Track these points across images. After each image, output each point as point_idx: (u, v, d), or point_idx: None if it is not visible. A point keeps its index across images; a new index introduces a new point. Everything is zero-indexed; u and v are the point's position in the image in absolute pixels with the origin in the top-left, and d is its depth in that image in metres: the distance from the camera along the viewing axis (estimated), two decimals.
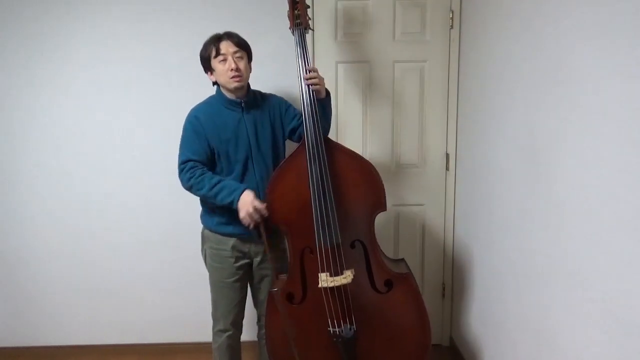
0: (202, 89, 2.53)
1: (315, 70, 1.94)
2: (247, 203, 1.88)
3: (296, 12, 2.00)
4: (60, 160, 2.64)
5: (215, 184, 1.93)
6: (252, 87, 2.10)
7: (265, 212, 1.90)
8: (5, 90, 2.59)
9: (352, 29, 2.53)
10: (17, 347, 2.81)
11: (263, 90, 2.16)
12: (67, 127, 2.62)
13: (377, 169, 1.98)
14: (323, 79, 1.96)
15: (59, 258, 2.73)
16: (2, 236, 2.72)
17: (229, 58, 1.93)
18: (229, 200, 1.91)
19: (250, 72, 2.04)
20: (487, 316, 2.24)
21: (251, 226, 1.91)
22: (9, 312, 2.79)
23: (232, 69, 1.93)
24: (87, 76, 2.57)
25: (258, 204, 1.89)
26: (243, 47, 1.98)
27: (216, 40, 1.96)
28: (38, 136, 2.62)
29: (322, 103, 1.98)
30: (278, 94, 2.20)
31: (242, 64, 1.95)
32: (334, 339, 1.95)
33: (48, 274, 2.75)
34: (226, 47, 1.94)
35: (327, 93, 2.02)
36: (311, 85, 1.90)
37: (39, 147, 2.63)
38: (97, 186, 2.66)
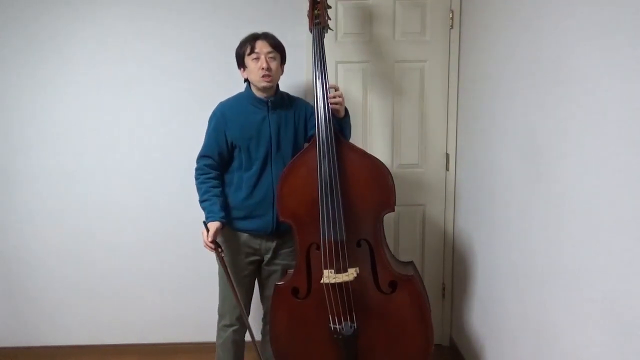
0: (202, 89, 2.55)
1: (336, 88, 2.00)
2: (204, 233, 1.95)
3: (316, 11, 2.02)
4: (60, 160, 2.64)
5: (203, 200, 2.03)
6: None
7: (209, 245, 1.93)
8: (5, 90, 2.59)
9: (352, 29, 2.53)
10: (17, 347, 2.81)
11: None
12: (67, 127, 2.62)
13: None
14: (344, 98, 2.01)
15: (59, 258, 2.73)
16: (2, 236, 2.72)
17: (262, 57, 1.98)
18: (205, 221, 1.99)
19: (282, 74, 2.08)
20: (488, 316, 2.24)
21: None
22: (9, 312, 2.79)
23: (263, 68, 1.97)
24: (87, 76, 2.57)
25: (205, 236, 1.93)
26: (278, 48, 2.03)
27: (253, 39, 2.01)
28: (38, 136, 2.62)
29: (340, 122, 2.02)
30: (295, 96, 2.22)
31: (273, 65, 2.00)
32: (335, 336, 1.96)
33: (48, 274, 2.75)
34: (261, 46, 1.99)
35: (346, 112, 2.06)
36: (332, 104, 1.94)
37: (39, 147, 2.63)
38: (97, 186, 2.66)
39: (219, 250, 1.96)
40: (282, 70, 2.08)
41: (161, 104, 2.60)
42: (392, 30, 2.53)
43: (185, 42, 2.55)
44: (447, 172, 2.64)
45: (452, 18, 2.50)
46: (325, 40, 2.50)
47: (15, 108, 2.60)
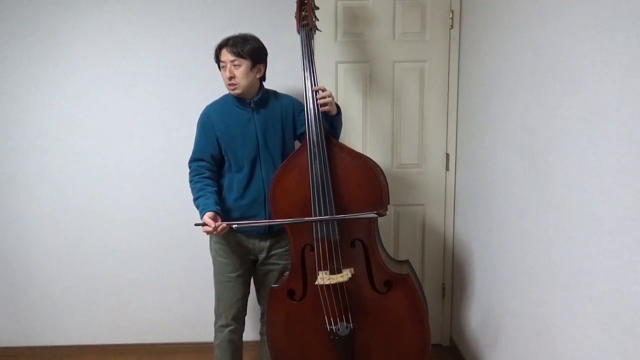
0: (201, 89, 2.54)
1: (324, 90, 1.96)
2: (206, 228, 1.93)
3: (303, 12, 2.01)
4: (59, 160, 2.64)
5: (197, 197, 2.01)
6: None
7: (220, 229, 1.92)
8: (5, 90, 2.59)
9: (352, 29, 2.53)
10: (17, 347, 2.81)
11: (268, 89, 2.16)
12: (67, 128, 2.62)
13: None
14: (333, 97, 1.99)
15: (59, 258, 2.73)
16: (2, 236, 2.72)
17: (227, 66, 1.97)
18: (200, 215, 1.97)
19: (260, 75, 2.04)
20: (487, 316, 2.24)
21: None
22: (9, 312, 2.79)
23: (227, 77, 1.97)
24: (87, 76, 2.57)
25: (209, 228, 1.91)
26: (242, 55, 1.96)
27: (218, 47, 2.01)
28: (37, 136, 2.62)
29: (331, 121, 2.01)
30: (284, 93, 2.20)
31: (238, 72, 1.96)
32: (331, 337, 1.97)
33: (48, 274, 2.75)
34: (225, 55, 1.97)
35: (338, 109, 2.05)
36: (322, 106, 1.93)
37: (39, 147, 2.63)
38: (97, 187, 2.66)
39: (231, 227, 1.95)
40: (260, 72, 2.03)
41: (161, 105, 2.60)
42: (391, 30, 2.53)
43: (186, 42, 2.55)
44: (447, 172, 2.64)
45: (452, 18, 2.50)
46: (325, 41, 2.52)
47: (15, 108, 2.60)
